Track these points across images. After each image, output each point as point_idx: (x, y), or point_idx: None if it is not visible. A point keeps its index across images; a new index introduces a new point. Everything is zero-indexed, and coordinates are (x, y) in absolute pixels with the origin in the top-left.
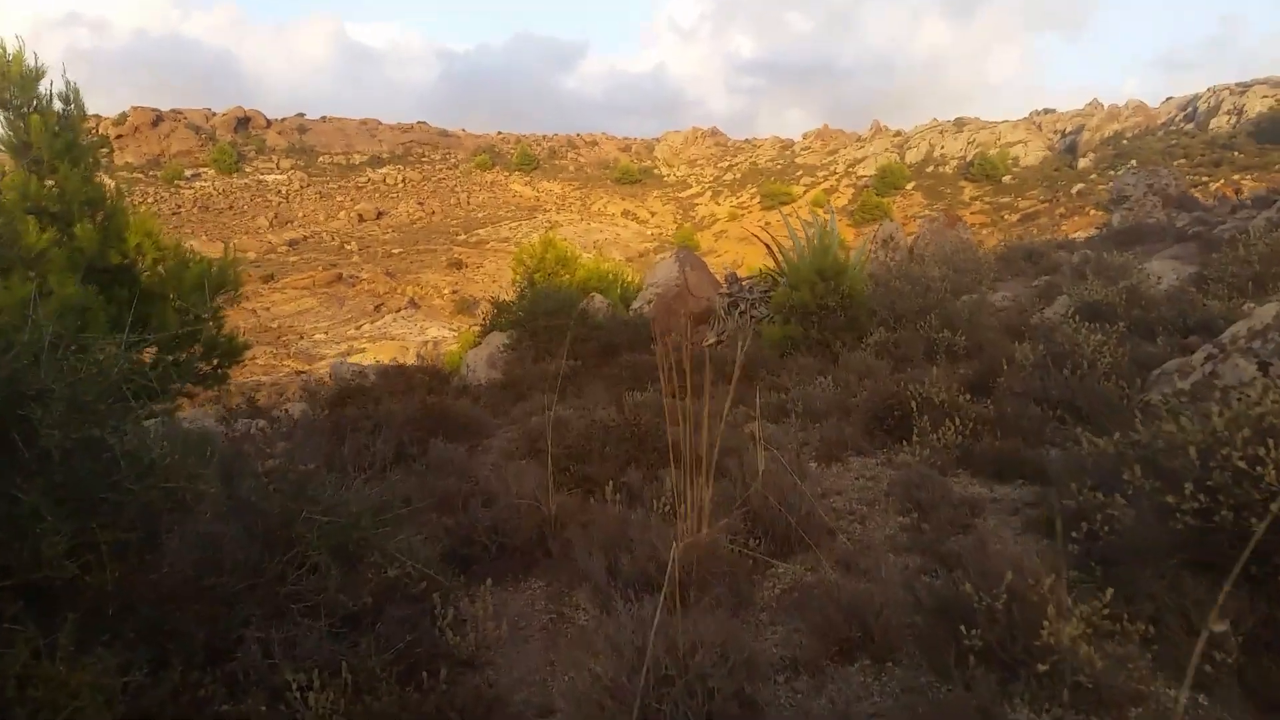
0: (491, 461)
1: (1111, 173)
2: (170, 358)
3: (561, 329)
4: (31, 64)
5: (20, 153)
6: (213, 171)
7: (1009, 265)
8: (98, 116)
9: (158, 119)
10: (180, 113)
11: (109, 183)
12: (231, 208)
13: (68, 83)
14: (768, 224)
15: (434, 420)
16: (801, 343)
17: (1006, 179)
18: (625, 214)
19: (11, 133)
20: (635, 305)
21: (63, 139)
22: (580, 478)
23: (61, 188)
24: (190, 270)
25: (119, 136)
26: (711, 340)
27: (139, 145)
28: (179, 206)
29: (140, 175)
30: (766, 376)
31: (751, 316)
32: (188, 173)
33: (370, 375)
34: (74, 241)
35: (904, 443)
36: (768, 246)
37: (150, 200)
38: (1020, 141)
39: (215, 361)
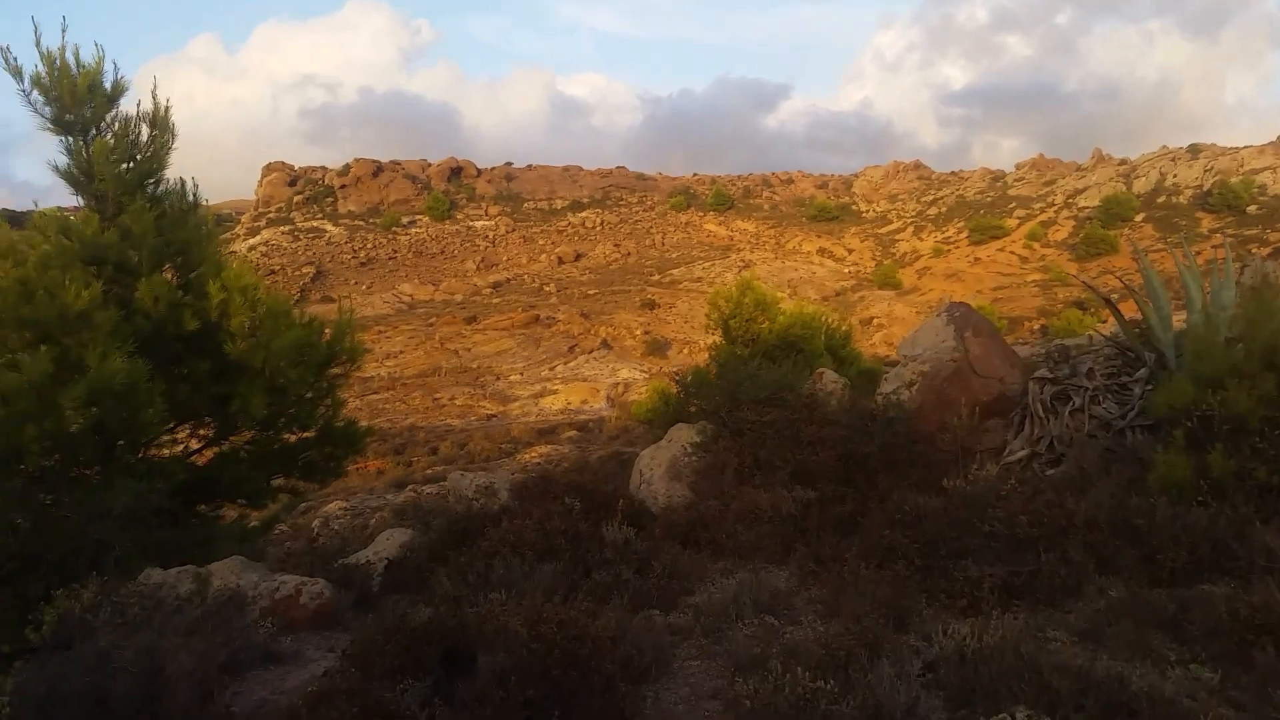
0: None
1: None
2: (261, 448)
3: (777, 426)
4: (109, 79)
5: (81, 186)
6: (427, 218)
7: None
8: (324, 168)
9: (378, 170)
10: (399, 164)
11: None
12: (443, 252)
13: (156, 104)
14: (977, 259)
15: (566, 658)
16: (1230, 486)
17: (1252, 209)
18: (821, 252)
19: (72, 161)
20: (888, 389)
21: (137, 170)
22: None
23: (128, 230)
24: (285, 337)
25: (343, 186)
26: (1021, 454)
27: (360, 195)
28: (395, 251)
29: (361, 223)
30: (1172, 562)
31: (1095, 418)
32: (404, 220)
33: (501, 493)
34: (134, 301)
35: None
36: (1107, 301)
37: (369, 246)
38: (1268, 168)
39: (328, 451)
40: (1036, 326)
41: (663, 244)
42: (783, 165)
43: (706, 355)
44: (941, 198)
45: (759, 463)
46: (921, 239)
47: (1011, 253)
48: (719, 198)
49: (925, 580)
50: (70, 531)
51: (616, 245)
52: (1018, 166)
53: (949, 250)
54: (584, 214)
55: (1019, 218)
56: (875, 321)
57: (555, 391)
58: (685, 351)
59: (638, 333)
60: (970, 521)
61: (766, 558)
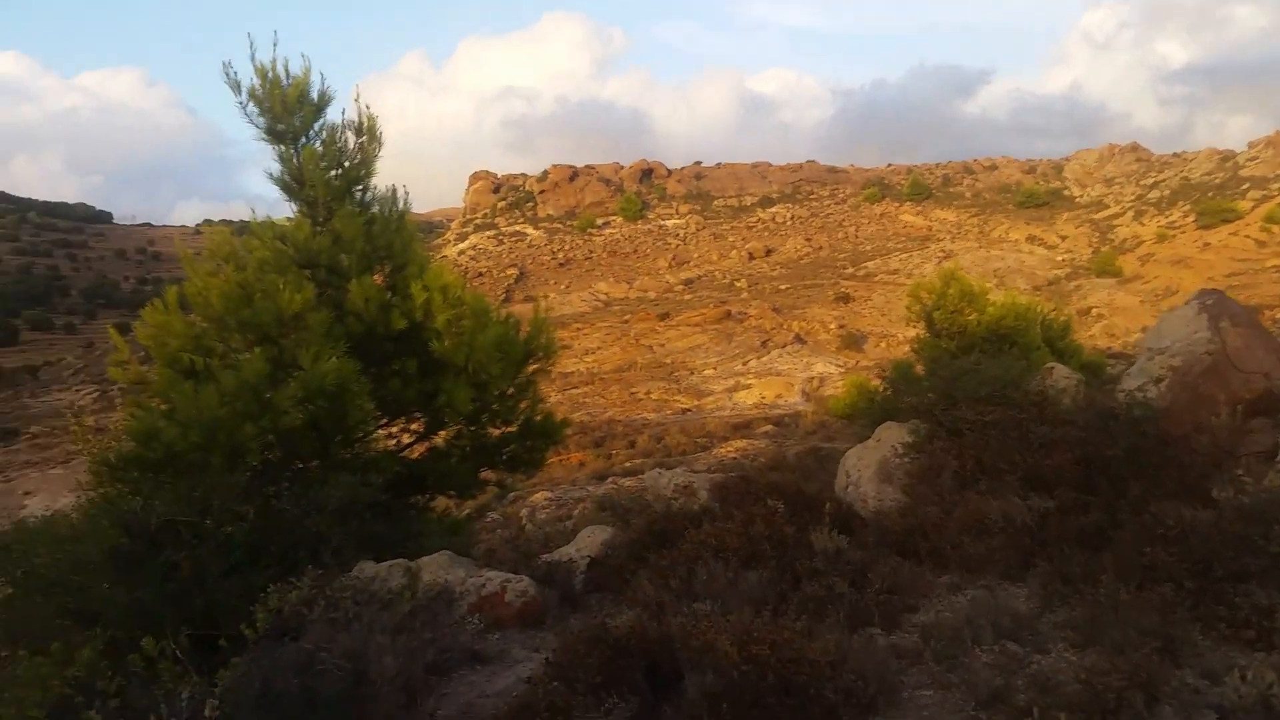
0: None
1: None
2: (468, 442)
3: (1002, 426)
4: (316, 90)
5: (293, 192)
6: (620, 219)
7: None
8: (524, 175)
9: (574, 174)
10: (593, 168)
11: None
12: (636, 251)
13: (361, 111)
14: (1207, 244)
15: (781, 683)
16: None
17: None
18: (1030, 239)
19: (284, 169)
20: (1131, 386)
21: (346, 176)
22: None
23: (338, 234)
24: (485, 334)
25: (542, 192)
26: None
27: (558, 199)
28: (591, 252)
29: (559, 225)
30: None
31: None
32: (599, 221)
33: (700, 493)
34: (345, 302)
35: None
36: None
37: (567, 248)
38: None
39: (530, 445)
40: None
41: (856, 236)
42: (984, 152)
43: (907, 349)
44: (1163, 180)
45: (982, 466)
46: (1143, 224)
47: (1247, 236)
48: (916, 187)
49: (1198, 606)
50: (290, 524)
51: (808, 239)
52: (1251, 145)
53: (1174, 235)
54: (774, 209)
55: (1254, 199)
56: (1094, 312)
57: (749, 386)
58: (882, 345)
59: (832, 327)
60: (1250, 538)
61: (999, 573)
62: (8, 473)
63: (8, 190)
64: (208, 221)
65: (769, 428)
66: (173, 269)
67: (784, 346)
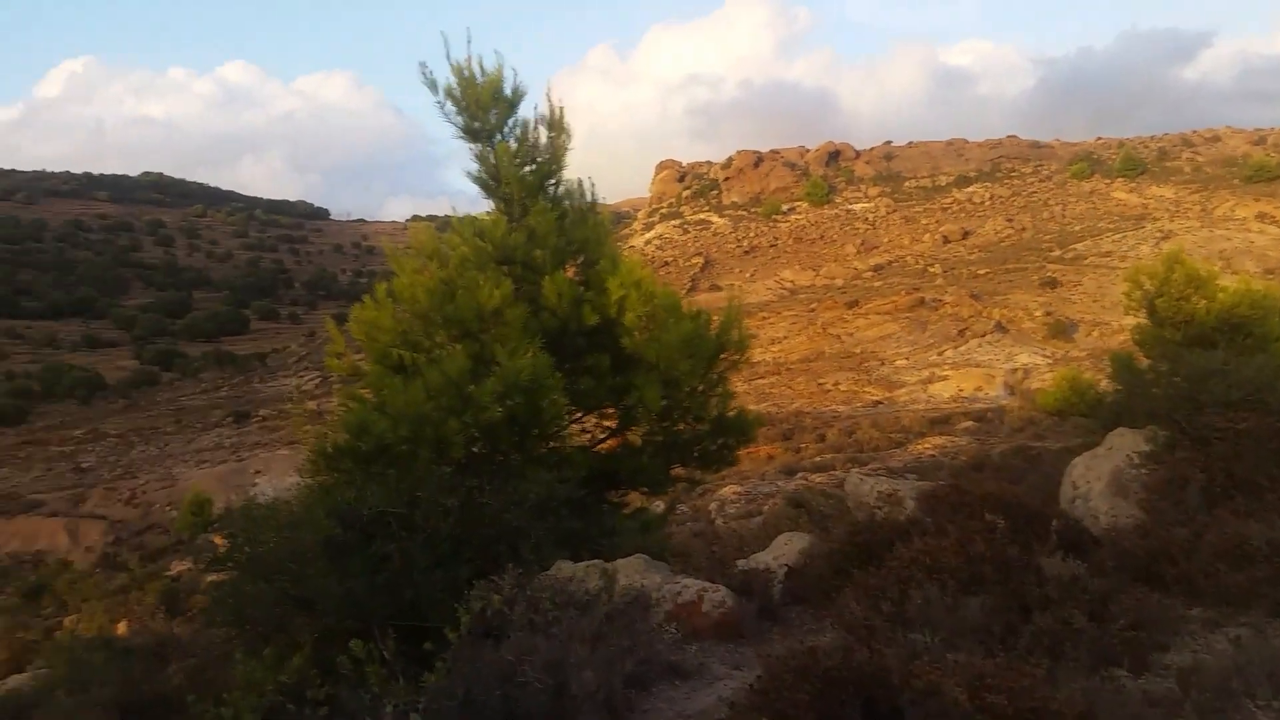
0: None
1: None
2: (660, 439)
3: (1258, 435)
4: (509, 86)
5: (490, 189)
6: (806, 204)
7: None
8: (709, 163)
9: (758, 160)
10: (777, 153)
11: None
12: (822, 237)
13: (551, 106)
14: None
15: None
16: None
17: None
18: (1260, 217)
19: (480, 166)
20: None
21: (539, 172)
22: None
23: (532, 230)
24: (676, 330)
25: (726, 179)
26: None
27: (742, 186)
28: (776, 239)
29: (744, 212)
30: None
31: None
32: (784, 207)
33: (906, 503)
34: (540, 298)
35: None
36: None
37: (751, 235)
38: None
39: (721, 442)
40: None
41: (1063, 216)
42: (1204, 122)
43: (1124, 339)
44: None
45: (1234, 480)
46: None
47: None
48: (1128, 162)
49: None
50: (491, 518)
51: (1009, 220)
52: None
53: None
54: (971, 189)
55: None
56: None
57: (945, 377)
58: (1095, 334)
59: (1037, 314)
60: None
61: (1268, 609)
62: (240, 452)
63: (237, 189)
64: (415, 217)
65: (969, 423)
66: (385, 263)
67: (983, 335)
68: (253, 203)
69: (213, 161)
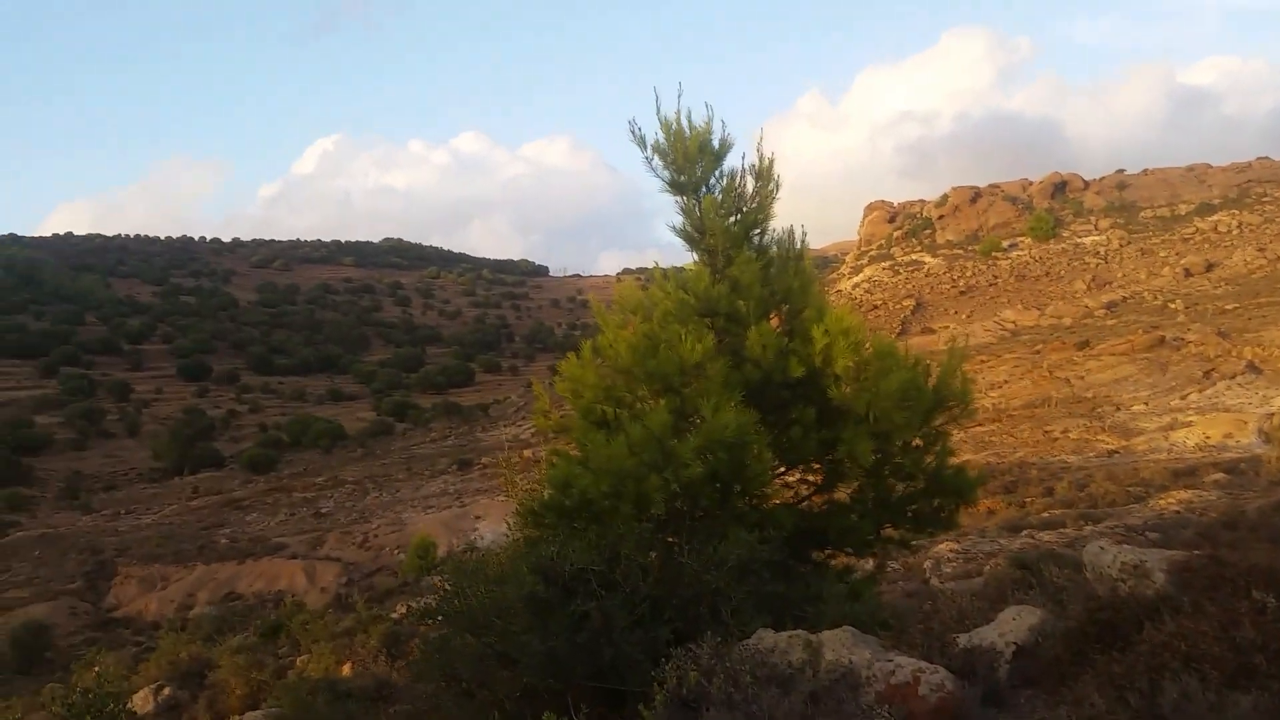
0: None
1: None
2: (870, 496)
3: None
4: (716, 138)
5: (694, 242)
6: (1029, 239)
7: None
8: (921, 201)
9: (975, 195)
10: (997, 187)
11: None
12: (1048, 274)
13: (760, 155)
14: None
15: None
16: None
17: None
18: None
19: (685, 219)
20: None
21: (744, 222)
22: None
23: (735, 281)
24: (889, 380)
25: (940, 217)
26: None
27: (958, 223)
28: (995, 278)
29: (959, 251)
30: None
31: None
32: (1005, 244)
33: (1155, 575)
34: (743, 350)
35: None
36: None
37: (968, 274)
38: None
39: (937, 502)
40: None
41: None
42: None
43: None
44: None
45: None
46: None
47: None
48: None
49: None
50: (690, 578)
51: (1260, 250)
52: None
53: None
54: (1215, 217)
55: None
56: None
57: (1189, 424)
58: None
59: None
60: None
61: None
62: (463, 498)
63: (467, 251)
64: (625, 270)
65: (1218, 475)
66: (594, 317)
67: (1233, 377)
68: (480, 263)
69: (446, 226)
